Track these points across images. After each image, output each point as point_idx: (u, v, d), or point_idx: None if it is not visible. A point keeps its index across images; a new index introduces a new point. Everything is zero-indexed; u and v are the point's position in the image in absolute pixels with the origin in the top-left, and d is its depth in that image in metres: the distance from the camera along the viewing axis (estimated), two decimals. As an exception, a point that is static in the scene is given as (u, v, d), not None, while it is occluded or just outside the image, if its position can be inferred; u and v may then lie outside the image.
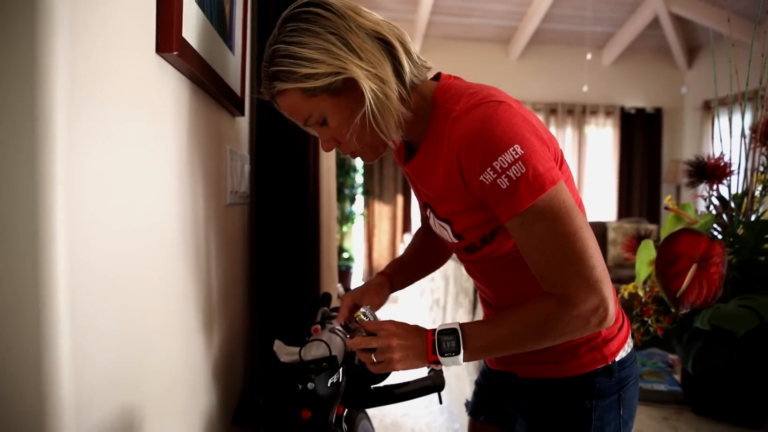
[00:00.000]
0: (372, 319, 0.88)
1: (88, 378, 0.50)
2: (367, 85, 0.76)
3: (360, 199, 5.74)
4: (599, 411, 0.87)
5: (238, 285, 1.21)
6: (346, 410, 1.06)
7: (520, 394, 0.96)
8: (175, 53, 0.67)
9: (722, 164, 1.28)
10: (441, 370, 1.07)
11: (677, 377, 1.43)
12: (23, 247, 0.43)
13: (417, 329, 0.84)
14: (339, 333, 1.09)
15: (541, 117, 5.71)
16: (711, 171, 1.29)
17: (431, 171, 0.85)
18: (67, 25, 0.45)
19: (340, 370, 0.95)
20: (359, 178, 5.69)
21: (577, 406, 0.88)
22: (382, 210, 5.77)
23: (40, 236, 0.44)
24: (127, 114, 0.59)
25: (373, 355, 0.82)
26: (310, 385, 0.88)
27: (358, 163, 5.69)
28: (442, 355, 0.79)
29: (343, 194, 5.46)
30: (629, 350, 0.93)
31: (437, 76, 0.90)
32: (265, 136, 1.32)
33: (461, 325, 0.81)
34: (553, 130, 5.74)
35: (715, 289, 1.11)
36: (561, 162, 0.84)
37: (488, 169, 0.73)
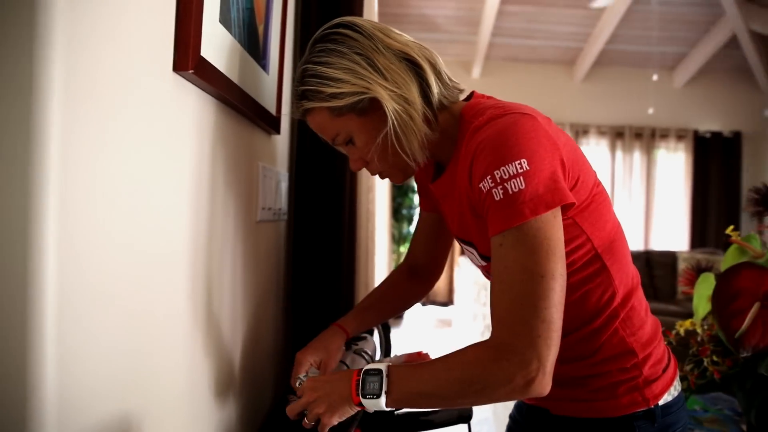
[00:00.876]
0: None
1: (77, 385, 0.50)
2: (391, 106, 0.76)
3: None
4: None
5: (270, 301, 1.21)
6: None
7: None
8: (191, 71, 0.68)
9: (794, 192, 1.15)
10: (469, 416, 1.02)
11: (744, 427, 1.29)
12: (15, 250, 0.44)
13: (340, 374, 0.79)
14: (364, 355, 1.06)
15: (606, 141, 5.50)
16: (780, 199, 1.16)
17: (456, 190, 0.82)
18: (66, 40, 0.46)
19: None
20: (417, 199, 5.68)
21: None
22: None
23: (37, 245, 0.44)
24: (142, 130, 0.60)
25: (305, 420, 0.78)
26: None
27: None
28: (364, 397, 0.73)
29: (401, 215, 5.45)
30: (676, 394, 0.84)
31: (470, 96, 0.88)
32: (303, 154, 1.33)
33: (390, 366, 0.74)
34: (619, 154, 5.51)
35: (783, 329, 0.99)
36: (594, 186, 0.79)
37: (488, 177, 0.69)
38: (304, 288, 1.32)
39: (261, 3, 1.00)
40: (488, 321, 3.20)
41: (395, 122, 0.76)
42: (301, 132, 1.33)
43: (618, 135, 5.49)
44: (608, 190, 5.42)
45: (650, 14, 4.50)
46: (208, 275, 0.83)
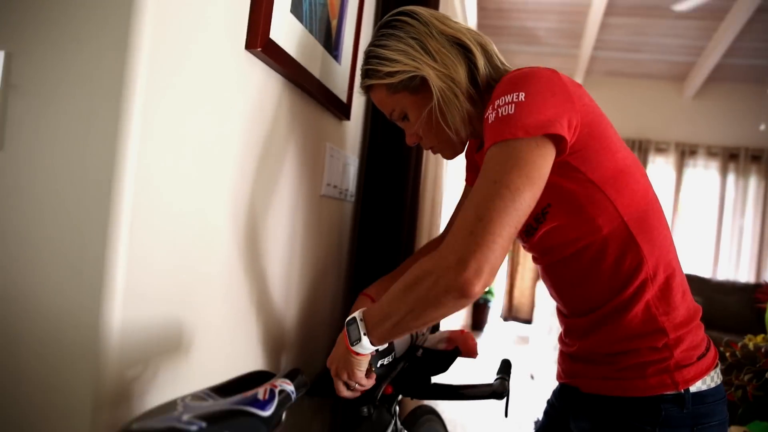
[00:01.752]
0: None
1: (139, 281, 0.63)
2: (437, 84, 0.85)
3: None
4: None
5: (330, 274, 1.32)
6: (401, 396, 1.08)
7: (583, 411, 0.91)
8: (259, 49, 0.81)
9: None
10: (505, 379, 1.06)
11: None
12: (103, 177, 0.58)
13: (339, 337, 0.86)
14: None
15: (717, 163, 5.10)
16: None
17: None
18: (155, 21, 0.60)
19: (393, 354, 1.00)
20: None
21: (637, 430, 0.80)
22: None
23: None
24: (215, 96, 0.74)
25: (346, 394, 0.89)
26: None
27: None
28: (352, 345, 0.79)
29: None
30: (713, 385, 0.82)
31: None
32: (374, 142, 1.43)
33: (364, 310, 0.80)
34: (731, 177, 5.08)
35: None
36: (622, 159, 0.82)
37: (490, 108, 0.75)
38: (365, 267, 1.42)
39: (335, 3, 1.12)
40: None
41: (440, 99, 0.85)
42: (373, 121, 1.44)
43: (731, 157, 5.08)
44: (716, 216, 5.07)
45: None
46: (267, 237, 0.95)
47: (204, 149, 0.73)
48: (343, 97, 1.23)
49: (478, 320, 5.35)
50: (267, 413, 0.50)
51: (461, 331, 1.18)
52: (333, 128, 1.24)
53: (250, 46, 0.81)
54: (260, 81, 0.87)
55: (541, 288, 4.45)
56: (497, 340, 4.99)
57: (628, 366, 0.82)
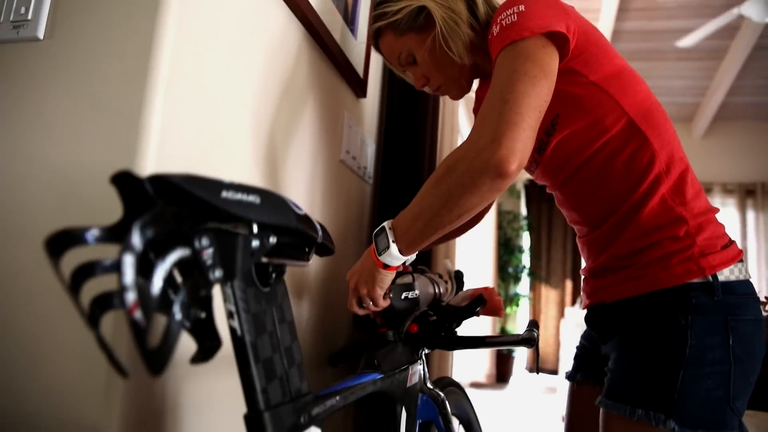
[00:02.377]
0: (396, 290, 0.93)
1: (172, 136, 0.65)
2: (438, 13, 0.90)
3: (525, 280, 5.56)
4: (697, 329, 0.75)
5: (350, 247, 1.31)
6: (427, 350, 1.04)
7: (611, 326, 0.88)
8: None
9: None
10: (534, 331, 1.02)
11: None
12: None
13: (365, 252, 0.86)
14: (424, 276, 1.11)
15: (734, 200, 5.07)
16: None
17: None
18: None
19: (416, 290, 0.97)
20: (525, 259, 5.55)
21: (669, 322, 0.77)
22: (549, 294, 5.49)
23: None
24: (233, 31, 0.79)
25: (362, 307, 0.89)
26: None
27: (525, 242, 5.59)
28: (380, 255, 0.79)
29: (508, 273, 5.35)
30: (741, 277, 0.80)
31: None
32: (390, 126, 1.47)
33: (392, 220, 0.81)
34: (751, 214, 5.03)
35: None
36: (619, 61, 0.85)
37: (493, 27, 0.79)
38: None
39: (350, -23, 1.21)
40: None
41: (442, 27, 0.90)
42: (389, 105, 1.48)
43: (749, 193, 5.05)
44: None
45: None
46: (287, 191, 0.97)
47: (223, 88, 0.76)
48: (360, 71, 1.28)
49: (502, 373, 5.14)
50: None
51: (485, 288, 1.16)
52: (351, 102, 1.29)
53: (273, -23, 0.87)
54: (282, 25, 0.93)
55: (566, 334, 4.31)
56: (524, 391, 4.77)
57: (651, 260, 0.80)
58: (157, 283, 0.32)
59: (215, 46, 0.74)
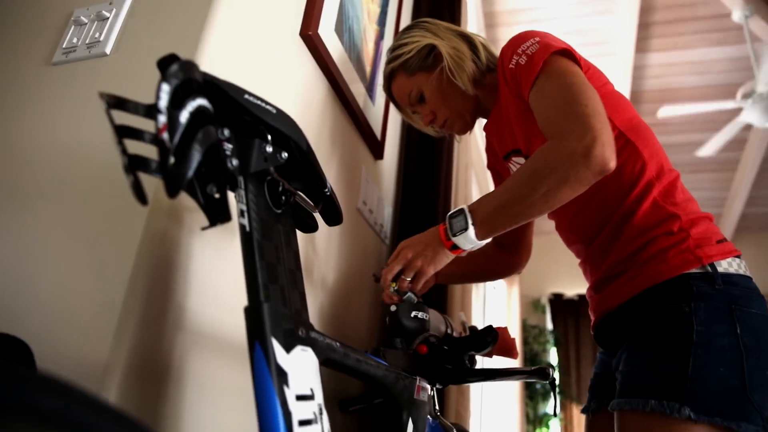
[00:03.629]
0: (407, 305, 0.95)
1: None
2: (445, 50, 1.04)
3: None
4: (701, 316, 0.75)
5: (364, 293, 1.34)
6: (438, 385, 1.02)
7: (620, 332, 0.87)
8: (310, 33, 1.02)
9: None
10: (549, 368, 1.01)
11: None
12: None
13: (428, 230, 0.89)
14: (440, 314, 1.12)
15: None
16: None
17: (501, 115, 1.00)
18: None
19: (427, 313, 0.99)
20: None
21: (673, 311, 0.78)
22: (581, 417, 5.12)
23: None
24: (267, 72, 0.92)
25: (402, 276, 0.89)
26: (392, 307, 0.95)
27: (553, 358, 5.36)
28: (454, 235, 0.82)
29: (535, 390, 5.07)
30: (741, 271, 0.82)
31: None
32: (407, 189, 1.56)
33: (468, 205, 0.84)
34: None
35: None
36: (609, 83, 0.96)
37: (514, 57, 0.89)
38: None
39: (371, 52, 1.38)
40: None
41: (449, 61, 1.02)
42: (406, 168, 1.59)
43: (785, 304, 4.87)
44: None
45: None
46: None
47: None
48: (378, 134, 1.41)
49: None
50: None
51: (498, 327, 1.15)
52: (368, 162, 1.39)
53: (303, 31, 1.02)
54: (309, 75, 1.06)
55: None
56: None
57: (649, 257, 0.82)
58: (183, 115, 0.38)
59: (253, 81, 0.86)
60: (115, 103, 0.39)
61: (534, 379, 1.01)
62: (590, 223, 0.92)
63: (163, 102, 0.36)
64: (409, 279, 0.90)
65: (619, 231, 0.86)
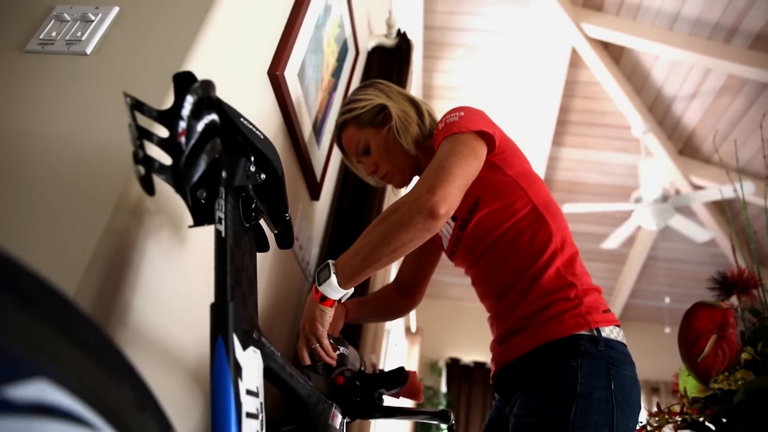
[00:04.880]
0: (332, 341, 1.01)
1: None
2: (394, 111, 1.15)
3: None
4: (586, 370, 0.88)
5: (285, 322, 1.37)
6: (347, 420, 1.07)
7: (517, 381, 0.97)
8: (277, 73, 1.10)
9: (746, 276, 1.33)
10: (450, 412, 1.09)
11: None
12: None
13: (309, 297, 0.96)
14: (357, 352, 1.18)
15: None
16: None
17: None
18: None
19: (346, 349, 1.04)
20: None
21: (563, 365, 0.90)
22: (463, 483, 5.20)
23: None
24: (232, 97, 0.99)
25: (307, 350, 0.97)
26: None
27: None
28: (320, 285, 0.90)
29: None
30: (620, 340, 0.96)
31: None
32: (334, 240, 1.64)
33: (335, 260, 0.93)
34: (657, 413, 5.24)
35: (737, 349, 1.08)
36: (528, 166, 1.11)
37: (440, 124, 1.03)
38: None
39: (324, 100, 1.48)
40: None
41: (397, 121, 1.14)
42: (336, 218, 1.67)
43: (653, 390, 5.33)
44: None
45: (659, 270, 4.91)
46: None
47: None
48: (318, 175, 1.48)
49: None
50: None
51: (409, 371, 1.23)
52: (305, 200, 1.46)
53: (271, 70, 1.10)
54: (268, 109, 1.14)
55: None
56: None
57: (548, 317, 0.95)
58: (201, 124, 0.44)
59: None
60: (134, 104, 0.44)
61: (436, 421, 1.08)
62: (504, 281, 1.03)
63: (186, 111, 0.42)
64: (313, 347, 0.96)
65: (527, 291, 0.99)
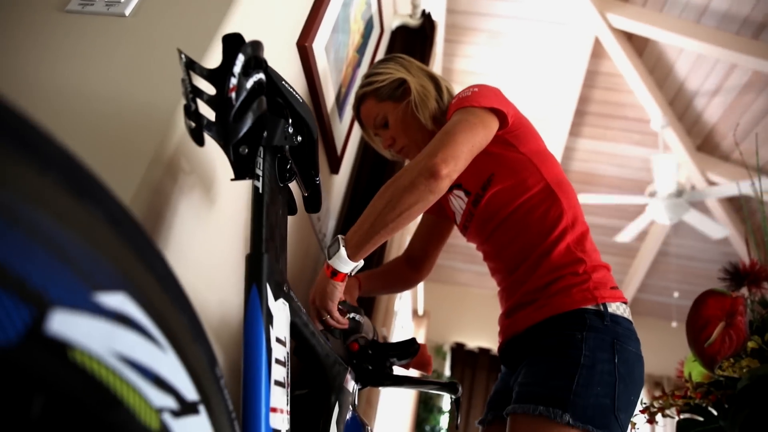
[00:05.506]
0: (344, 308, 1.04)
1: None
2: (413, 86, 1.17)
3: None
4: (590, 343, 0.91)
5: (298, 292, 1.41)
6: (360, 386, 1.11)
7: (523, 352, 1.01)
8: (306, 45, 1.12)
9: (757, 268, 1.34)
10: (457, 384, 1.12)
11: None
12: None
13: (320, 273, 0.98)
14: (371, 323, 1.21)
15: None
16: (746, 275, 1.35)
17: None
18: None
19: (358, 315, 1.08)
20: (444, 420, 5.44)
21: (568, 336, 0.93)
22: (464, 463, 5.28)
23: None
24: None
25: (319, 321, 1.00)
26: None
27: (445, 405, 5.52)
28: (330, 259, 0.92)
29: (423, 430, 5.20)
30: (626, 317, 0.98)
31: None
32: (351, 214, 1.66)
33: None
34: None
35: (744, 336, 1.10)
36: (543, 144, 1.13)
37: (454, 100, 1.04)
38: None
39: (348, 75, 1.50)
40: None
41: (416, 96, 1.16)
42: (354, 192, 1.69)
43: (656, 385, 5.35)
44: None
45: (670, 266, 4.90)
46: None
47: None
48: (339, 149, 1.51)
49: None
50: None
51: (420, 343, 1.26)
52: (324, 172, 1.49)
53: (301, 41, 1.12)
54: (295, 80, 1.16)
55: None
56: None
57: (556, 290, 0.98)
58: (250, 82, 0.47)
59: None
60: (188, 62, 0.47)
61: (444, 391, 1.12)
62: (514, 256, 1.06)
63: (238, 68, 0.45)
64: (325, 319, 0.98)
65: (537, 265, 1.01)
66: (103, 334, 0.26)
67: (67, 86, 0.79)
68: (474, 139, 0.94)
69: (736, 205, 4.32)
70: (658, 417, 1.28)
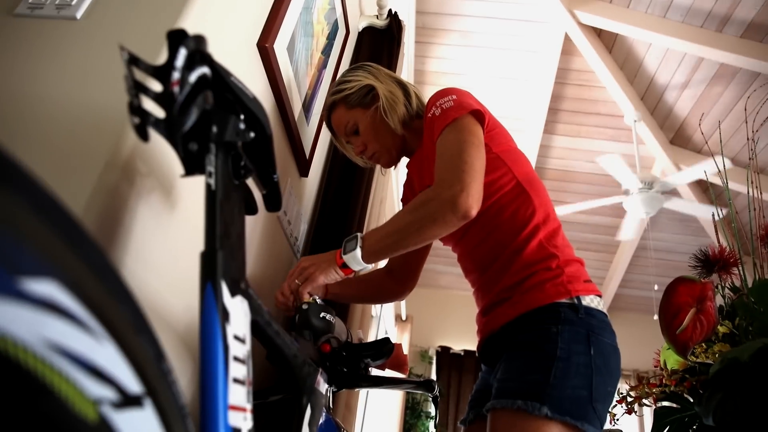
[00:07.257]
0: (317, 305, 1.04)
1: None
2: (381, 92, 1.17)
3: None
4: (565, 336, 0.91)
5: (270, 298, 1.39)
6: (334, 389, 1.09)
7: (500, 349, 1.00)
8: (266, 45, 1.10)
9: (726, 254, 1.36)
10: (434, 382, 1.12)
11: None
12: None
13: (329, 252, 1.03)
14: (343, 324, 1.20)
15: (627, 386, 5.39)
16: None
17: (423, 156, 1.15)
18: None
19: (332, 314, 1.06)
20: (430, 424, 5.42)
21: (544, 331, 0.93)
22: (453, 468, 5.27)
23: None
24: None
25: (295, 279, 1.03)
26: (304, 305, 1.02)
27: (432, 409, 5.51)
28: (345, 254, 0.97)
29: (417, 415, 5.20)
30: (600, 309, 0.99)
31: None
32: (323, 217, 1.65)
33: (365, 233, 0.99)
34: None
35: (714, 321, 1.11)
36: (513, 142, 1.14)
37: (433, 108, 1.05)
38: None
39: (314, 77, 1.49)
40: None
41: (384, 102, 1.16)
42: (325, 195, 1.68)
43: (641, 380, 5.40)
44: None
45: (649, 260, 4.97)
46: None
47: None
48: (307, 152, 1.49)
49: None
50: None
51: (395, 343, 1.25)
52: (294, 176, 1.47)
53: (261, 42, 1.11)
54: (257, 83, 1.14)
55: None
56: None
57: (530, 286, 0.98)
58: (193, 76, 0.46)
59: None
60: (130, 58, 0.45)
61: (420, 390, 1.10)
62: (487, 255, 1.06)
63: (180, 62, 0.44)
64: (298, 282, 1.01)
65: (510, 263, 1.01)
66: (30, 321, 0.26)
67: (18, 91, 0.77)
68: (482, 161, 0.97)
69: (706, 189, 4.39)
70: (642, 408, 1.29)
